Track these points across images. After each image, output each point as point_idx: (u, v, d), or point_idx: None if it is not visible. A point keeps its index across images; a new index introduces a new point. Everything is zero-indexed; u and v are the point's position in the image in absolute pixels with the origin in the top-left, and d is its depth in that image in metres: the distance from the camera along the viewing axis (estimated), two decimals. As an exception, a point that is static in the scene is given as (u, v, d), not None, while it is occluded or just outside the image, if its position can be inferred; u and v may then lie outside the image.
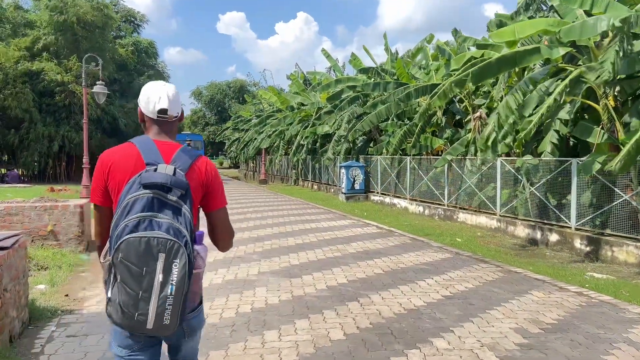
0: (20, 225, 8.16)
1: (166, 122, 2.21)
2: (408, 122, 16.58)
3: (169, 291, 1.85)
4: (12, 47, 27.00)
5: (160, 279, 1.84)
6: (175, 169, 2.00)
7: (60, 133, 28.08)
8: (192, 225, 1.99)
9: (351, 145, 18.83)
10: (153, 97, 2.16)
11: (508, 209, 11.05)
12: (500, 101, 11.48)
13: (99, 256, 2.11)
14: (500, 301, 5.69)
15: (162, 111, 2.16)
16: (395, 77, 17.36)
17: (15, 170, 28.87)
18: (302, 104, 26.98)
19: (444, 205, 13.51)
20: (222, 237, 2.27)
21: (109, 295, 1.93)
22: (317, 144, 24.21)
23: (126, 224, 1.87)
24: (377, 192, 17.66)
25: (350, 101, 18.41)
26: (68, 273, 6.98)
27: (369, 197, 18.24)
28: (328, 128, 21.23)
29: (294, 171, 28.33)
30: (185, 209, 1.97)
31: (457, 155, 12.87)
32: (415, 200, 15.05)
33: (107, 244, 2.01)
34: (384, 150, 16.44)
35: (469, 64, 11.97)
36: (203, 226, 2.19)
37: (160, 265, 1.84)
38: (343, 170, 18.20)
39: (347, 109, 18.50)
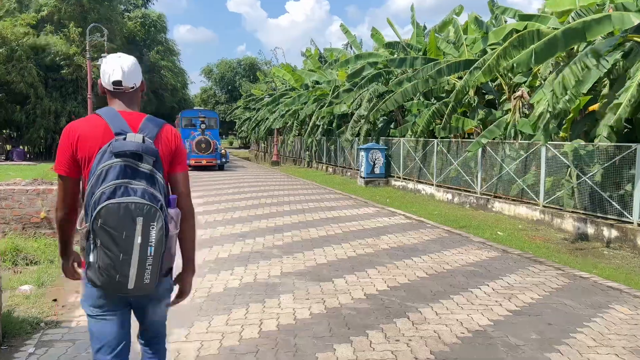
0: (9, 211, 7.20)
1: (124, 92, 2.24)
2: (435, 101, 15.38)
3: (149, 252, 1.98)
4: (19, 22, 25.86)
5: (140, 241, 1.96)
6: (144, 137, 2.08)
7: (67, 109, 27.17)
8: (166, 190, 2.13)
9: (371, 126, 17.64)
10: (108, 69, 2.21)
11: (553, 199, 9.92)
12: (545, 79, 10.27)
13: (57, 229, 2.25)
14: (582, 320, 4.62)
15: (117, 83, 2.20)
16: (421, 53, 16.09)
17: (21, 147, 28.04)
18: (317, 82, 25.73)
19: (476, 193, 12.38)
20: (184, 202, 2.27)
21: (90, 259, 2.01)
22: (333, 125, 23.04)
23: (103, 191, 1.97)
24: (399, 177, 16.54)
25: (371, 79, 17.17)
26: (60, 269, 6.01)
27: (389, 182, 17.13)
28: (346, 107, 20.02)
29: (307, 153, 27.22)
30: (159, 175, 2.09)
31: (493, 139, 11.71)
32: (443, 186, 13.93)
33: (82, 211, 2.11)
34: (409, 132, 15.25)
35: (513, 37, 10.71)
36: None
37: (139, 229, 1.95)
38: (362, 153, 17.07)
39: (369, 87, 17.26)
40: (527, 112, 11.34)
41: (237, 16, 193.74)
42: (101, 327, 2.18)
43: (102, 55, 15.78)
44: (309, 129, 23.48)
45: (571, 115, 9.57)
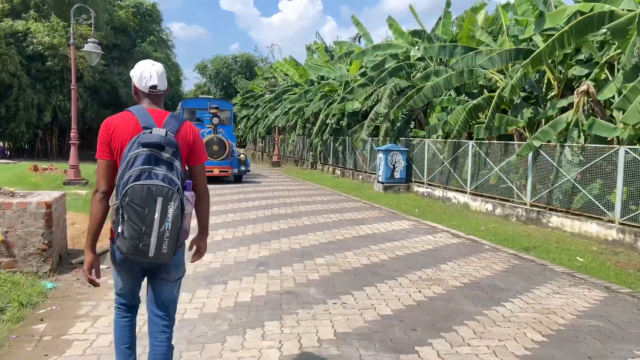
0: (-51, 233, 5.29)
1: (156, 95, 2.68)
2: (466, 97, 13.60)
3: (166, 227, 2.38)
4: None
5: (159, 217, 2.36)
6: (166, 131, 2.50)
7: (51, 102, 25.05)
8: (183, 175, 2.53)
9: (390, 125, 15.81)
10: (145, 74, 2.65)
11: (633, 215, 8.16)
12: (622, 68, 8.51)
13: (93, 208, 2.56)
14: None
15: (153, 87, 2.65)
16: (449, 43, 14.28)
17: (0, 143, 25.88)
18: (323, 78, 23.87)
19: (524, 204, 10.60)
20: (201, 187, 2.72)
21: (119, 230, 2.41)
22: (342, 123, 21.20)
23: (130, 175, 2.37)
24: (422, 183, 14.74)
25: (392, 72, 15.36)
26: (14, 324, 4.15)
27: (411, 188, 15.32)
28: (358, 104, 18.19)
29: (311, 153, 25.35)
30: (177, 163, 2.49)
31: (548, 141, 9.94)
32: (480, 195, 12.14)
33: (114, 190, 2.52)
34: (440, 132, 13.43)
35: (576, 20, 8.96)
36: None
37: (159, 207, 2.35)
38: (381, 155, 15.24)
39: (388, 82, 15.45)
40: (594, 110, 9.59)
41: (230, 14, 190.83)
42: (121, 279, 2.74)
43: (89, 40, 13.79)
44: (316, 127, 21.58)
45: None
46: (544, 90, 12.08)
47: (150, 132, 2.46)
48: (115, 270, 2.70)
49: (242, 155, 17.42)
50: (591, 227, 8.82)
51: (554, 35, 9.52)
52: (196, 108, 18.79)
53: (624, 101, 7.93)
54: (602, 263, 7.11)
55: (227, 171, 16.59)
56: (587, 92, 9.35)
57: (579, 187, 9.27)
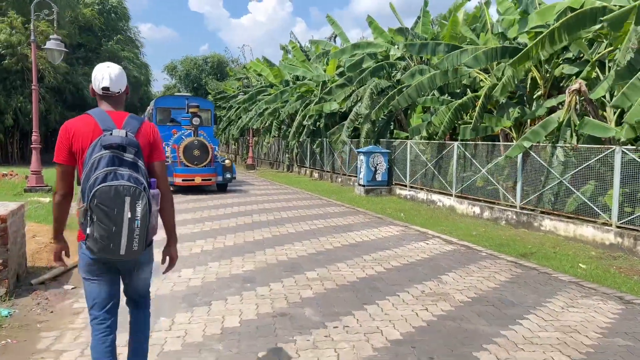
0: None
1: (111, 96, 2.71)
2: (450, 97, 13.25)
3: (136, 225, 2.43)
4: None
5: (129, 216, 2.41)
6: (127, 132, 2.55)
7: (12, 105, 23.69)
8: (147, 174, 2.59)
9: (371, 126, 15.36)
10: (98, 76, 2.68)
11: (632, 218, 7.88)
12: (618, 65, 8.23)
13: (55, 209, 2.66)
14: None
15: (105, 88, 2.67)
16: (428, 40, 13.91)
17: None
18: (298, 78, 23.30)
19: (514, 207, 10.27)
20: (164, 184, 2.77)
21: (88, 231, 2.44)
22: (319, 125, 20.66)
23: (96, 177, 2.41)
24: (405, 185, 14.33)
25: (372, 72, 14.91)
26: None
27: (393, 191, 14.90)
28: (336, 105, 17.68)
29: (287, 156, 24.72)
30: (140, 162, 2.55)
31: (537, 142, 9.64)
32: (466, 197, 11.78)
33: (80, 193, 2.51)
34: (423, 133, 13.02)
35: (567, 16, 8.65)
36: None
37: (127, 206, 2.40)
38: (362, 157, 14.77)
39: (369, 82, 15.00)
40: (586, 110, 9.32)
41: (199, 15, 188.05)
42: (94, 288, 2.67)
43: (52, 37, 12.87)
44: (293, 129, 20.96)
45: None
46: (528, 89, 11.81)
47: (111, 134, 2.51)
48: (87, 280, 2.67)
49: (227, 161, 15.01)
50: (587, 231, 8.51)
51: (542, 32, 9.22)
52: (171, 107, 16.88)
53: (622, 99, 7.64)
54: (606, 270, 6.77)
55: (210, 179, 14.32)
56: (579, 91, 9.07)
57: (572, 189, 8.97)
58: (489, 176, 11.08)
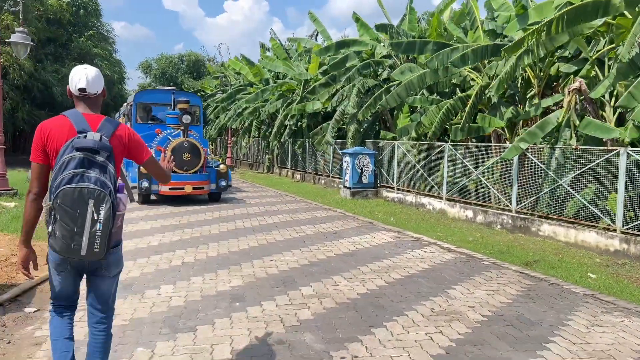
0: None
1: (88, 98, 2.72)
2: (438, 97, 12.82)
3: (98, 227, 2.46)
4: None
5: (91, 219, 2.44)
6: (101, 135, 2.57)
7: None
8: (116, 178, 2.61)
9: (358, 126, 14.84)
10: (75, 77, 2.69)
11: (639, 223, 7.53)
12: (620, 61, 7.87)
13: (27, 207, 2.62)
14: None
15: (82, 90, 2.68)
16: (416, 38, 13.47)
17: None
18: (279, 76, 22.65)
19: (510, 211, 9.87)
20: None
21: (49, 229, 2.50)
22: (301, 125, 20.06)
23: (63, 178, 2.44)
24: (393, 188, 13.85)
25: (359, 70, 14.40)
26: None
27: (380, 194, 14.41)
28: (320, 105, 17.12)
29: (267, 156, 24.04)
30: (111, 167, 2.57)
31: (535, 143, 9.25)
32: (457, 201, 11.36)
33: (47, 192, 2.58)
34: (413, 134, 12.55)
35: (569, 7, 8.23)
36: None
37: (90, 209, 2.44)
38: (348, 158, 14.24)
39: (355, 80, 14.48)
40: (585, 109, 8.97)
41: (174, 14, 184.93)
42: (58, 280, 2.72)
43: (17, 29, 11.97)
44: (274, 129, 20.31)
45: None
46: (520, 88, 11.46)
47: (85, 137, 2.54)
48: (55, 270, 2.70)
49: (221, 166, 12.73)
50: (589, 237, 8.14)
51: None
52: (153, 103, 14.69)
53: (628, 98, 7.26)
54: (617, 280, 6.37)
55: (202, 187, 12.14)
56: (579, 90, 8.70)
57: (573, 192, 8.60)
58: (482, 178, 10.67)
